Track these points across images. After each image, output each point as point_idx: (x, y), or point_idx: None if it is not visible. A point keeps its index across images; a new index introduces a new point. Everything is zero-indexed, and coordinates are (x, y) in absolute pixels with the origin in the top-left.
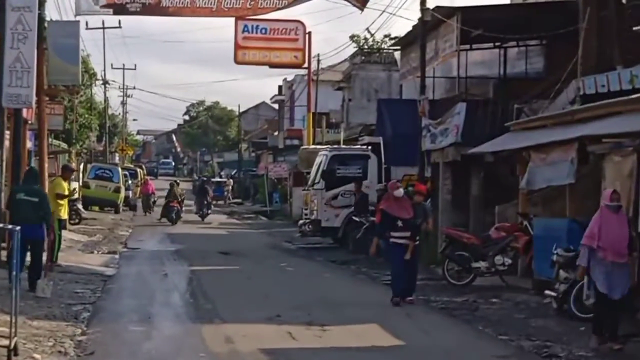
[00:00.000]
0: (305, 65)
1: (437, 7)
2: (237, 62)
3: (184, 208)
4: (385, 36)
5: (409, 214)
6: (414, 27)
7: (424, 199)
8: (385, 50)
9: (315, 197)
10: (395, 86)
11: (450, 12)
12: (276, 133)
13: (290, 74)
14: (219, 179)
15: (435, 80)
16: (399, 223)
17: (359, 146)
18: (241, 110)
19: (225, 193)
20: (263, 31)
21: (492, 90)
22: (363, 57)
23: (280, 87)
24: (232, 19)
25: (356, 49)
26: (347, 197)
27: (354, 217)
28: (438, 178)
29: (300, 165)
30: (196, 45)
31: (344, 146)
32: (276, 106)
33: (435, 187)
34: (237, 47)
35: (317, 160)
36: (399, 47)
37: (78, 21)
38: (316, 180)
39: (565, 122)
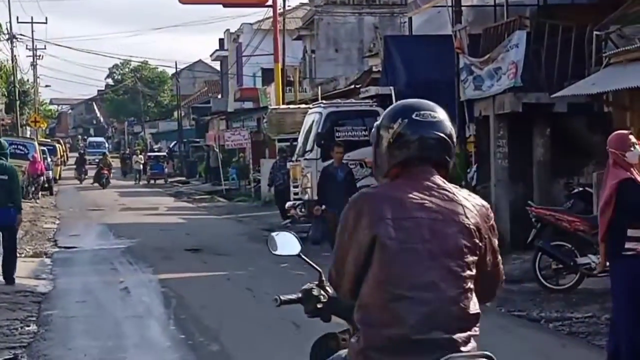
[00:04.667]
0: (270, 2)
1: None
2: (182, 1)
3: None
4: None
5: None
6: None
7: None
8: None
9: (309, 170)
10: (369, 32)
11: None
12: (220, 95)
13: (236, 21)
14: (156, 153)
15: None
16: None
17: (361, 101)
18: (175, 70)
19: (165, 170)
20: None
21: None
22: None
23: (221, 41)
24: None
25: None
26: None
27: None
28: (486, 138)
29: (270, 130)
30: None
31: (342, 101)
32: (217, 64)
33: (482, 150)
34: None
35: (307, 121)
36: None
37: None
38: (308, 148)
39: None
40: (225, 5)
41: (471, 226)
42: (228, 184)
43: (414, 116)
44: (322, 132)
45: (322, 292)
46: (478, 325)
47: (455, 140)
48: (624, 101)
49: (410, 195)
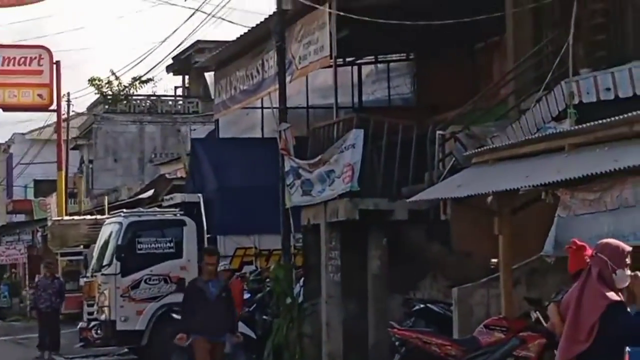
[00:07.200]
0: (54, 106)
1: None
2: None
3: None
4: (134, 79)
5: None
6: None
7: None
8: (135, 97)
9: (107, 286)
10: (150, 142)
11: None
12: None
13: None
14: None
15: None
16: None
17: (166, 210)
18: None
19: None
20: None
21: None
22: (107, 106)
23: None
24: None
25: (98, 95)
26: (154, 284)
27: (173, 314)
28: (316, 249)
29: (52, 243)
30: None
31: (144, 210)
32: None
33: (310, 263)
34: None
35: (105, 232)
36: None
37: None
38: (106, 262)
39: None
40: (5, 109)
41: None
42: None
43: None
44: (122, 244)
45: None
46: None
47: None
48: (492, 205)
49: None
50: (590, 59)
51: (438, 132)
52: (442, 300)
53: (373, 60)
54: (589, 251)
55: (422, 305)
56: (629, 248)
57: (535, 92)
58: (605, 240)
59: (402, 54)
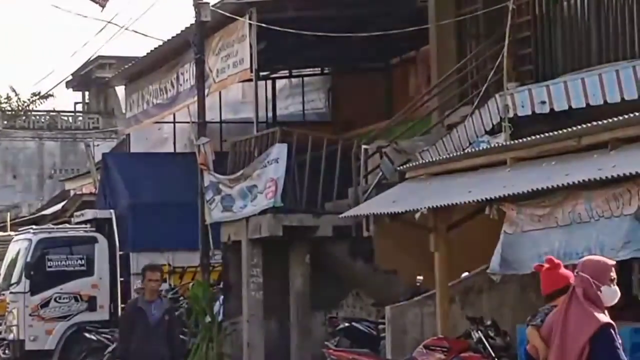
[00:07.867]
0: None
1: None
2: None
3: None
4: (34, 94)
5: None
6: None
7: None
8: (34, 112)
9: (15, 305)
10: (49, 158)
11: (238, 8)
12: None
13: None
14: None
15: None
16: None
17: (76, 226)
18: None
19: None
20: None
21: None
22: (6, 122)
23: None
24: None
25: None
26: (64, 302)
27: (86, 334)
28: (237, 267)
29: None
30: None
31: (54, 226)
32: None
33: (231, 280)
34: None
35: (13, 249)
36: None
37: None
38: (14, 280)
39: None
40: None
41: None
42: None
43: None
44: (32, 261)
45: None
46: None
47: None
48: (427, 221)
49: None
50: (517, 72)
51: (363, 146)
52: (367, 318)
53: (287, 74)
54: (563, 269)
55: (347, 324)
56: (612, 262)
57: (462, 106)
58: (586, 257)
59: (316, 69)
